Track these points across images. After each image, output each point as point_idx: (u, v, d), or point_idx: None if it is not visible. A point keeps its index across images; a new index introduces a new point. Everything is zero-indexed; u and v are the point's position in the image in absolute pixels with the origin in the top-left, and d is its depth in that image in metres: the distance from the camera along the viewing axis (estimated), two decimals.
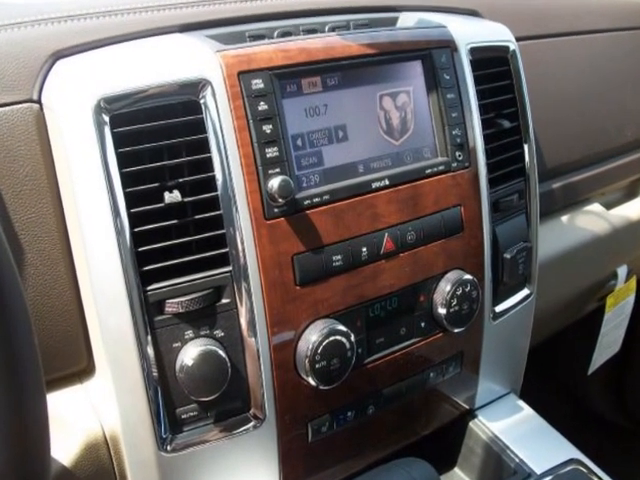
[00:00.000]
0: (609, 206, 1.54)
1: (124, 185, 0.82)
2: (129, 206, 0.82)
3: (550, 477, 1.08)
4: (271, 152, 0.88)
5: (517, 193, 1.15)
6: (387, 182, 0.97)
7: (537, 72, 1.21)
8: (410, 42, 1.00)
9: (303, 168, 0.92)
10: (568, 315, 1.57)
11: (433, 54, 1.01)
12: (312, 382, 0.92)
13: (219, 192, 0.86)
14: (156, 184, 0.84)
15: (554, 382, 1.92)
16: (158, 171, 0.84)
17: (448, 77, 1.03)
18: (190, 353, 0.85)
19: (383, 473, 1.03)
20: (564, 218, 1.40)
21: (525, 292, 1.19)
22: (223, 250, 0.87)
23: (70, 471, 0.90)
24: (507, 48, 1.13)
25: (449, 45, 1.03)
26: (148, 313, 0.84)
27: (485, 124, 1.08)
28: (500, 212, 1.12)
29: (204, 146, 0.86)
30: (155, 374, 0.85)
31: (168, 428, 0.87)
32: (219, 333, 0.88)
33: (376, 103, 0.97)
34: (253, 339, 0.89)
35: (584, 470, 1.09)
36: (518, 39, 1.14)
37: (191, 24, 0.96)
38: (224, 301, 0.88)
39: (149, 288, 0.84)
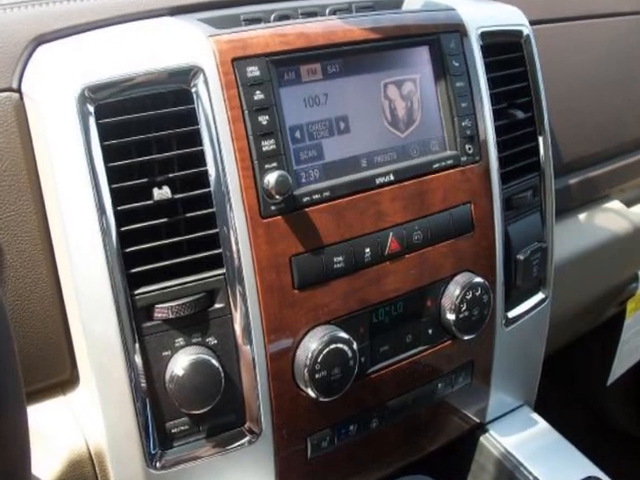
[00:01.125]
0: (629, 203, 1.56)
1: (110, 181, 0.83)
2: (115, 203, 0.83)
3: None
4: (268, 145, 0.90)
5: (531, 189, 1.17)
6: (392, 177, 0.99)
7: (552, 59, 1.23)
8: (417, 26, 1.02)
9: (302, 162, 0.93)
10: (586, 321, 1.59)
11: (441, 39, 1.03)
12: (311, 394, 0.94)
13: (212, 188, 0.87)
14: (144, 180, 0.85)
15: (571, 393, 1.94)
16: (146, 166, 0.86)
17: (457, 64, 1.05)
18: (181, 362, 0.86)
19: None
20: (581, 216, 1.42)
21: (540, 296, 1.21)
22: (216, 251, 0.88)
23: None
24: (520, 33, 1.14)
25: (458, 29, 1.05)
26: (136, 319, 0.85)
27: (497, 115, 1.09)
28: (513, 210, 1.14)
29: (196, 138, 0.87)
30: (143, 385, 0.86)
31: (157, 443, 0.89)
32: (212, 341, 0.89)
33: (380, 92, 0.99)
34: (248, 347, 0.91)
35: None
36: (532, 23, 1.16)
37: (182, 7, 0.98)
38: (217, 306, 0.89)
39: (137, 292, 0.85)
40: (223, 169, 0.87)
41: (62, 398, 0.95)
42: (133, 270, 0.85)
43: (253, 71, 0.89)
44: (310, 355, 0.93)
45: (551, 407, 1.28)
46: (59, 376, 0.93)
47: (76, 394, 0.94)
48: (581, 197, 1.38)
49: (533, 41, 1.15)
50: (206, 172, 0.87)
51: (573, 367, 1.86)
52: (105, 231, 0.83)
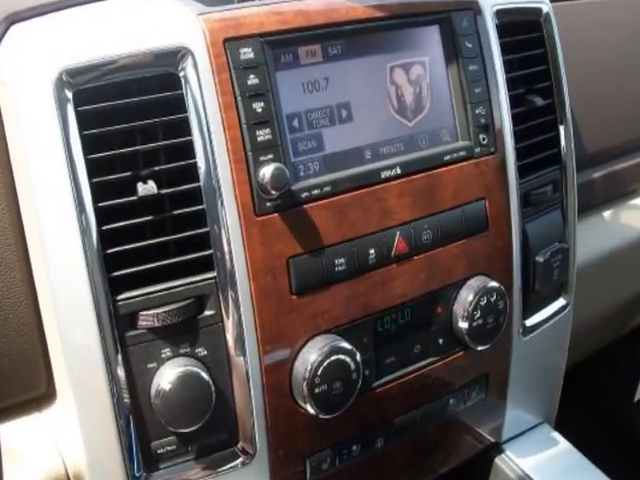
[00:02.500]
0: None
1: (90, 174, 0.84)
2: (96, 199, 0.85)
3: None
4: (263, 135, 0.91)
5: (551, 184, 1.19)
6: (399, 171, 1.01)
7: (574, 40, 1.25)
8: (426, 4, 1.04)
9: (300, 154, 0.95)
10: (611, 329, 1.61)
11: (453, 18, 1.05)
12: (311, 410, 0.96)
13: (201, 183, 0.89)
14: (128, 173, 0.87)
15: (595, 410, 1.95)
16: (130, 158, 0.87)
17: (470, 45, 1.07)
18: (168, 375, 0.88)
19: None
20: (606, 214, 1.44)
21: (561, 302, 1.24)
22: (206, 252, 0.90)
23: None
24: (539, 10, 1.17)
25: (471, 7, 1.07)
26: (118, 327, 0.87)
27: (514, 101, 1.12)
28: (531, 206, 1.16)
29: (184, 128, 0.89)
30: (126, 400, 0.88)
31: (142, 465, 0.90)
32: (202, 351, 0.91)
33: (386, 76, 1.01)
34: (241, 358, 0.92)
35: None
36: (552, 0, 1.18)
37: None
38: (207, 313, 0.91)
39: (120, 297, 0.87)
40: (214, 161, 0.89)
41: (37, 415, 0.96)
42: (115, 273, 0.86)
43: (247, 53, 0.91)
44: (309, 367, 0.95)
45: (573, 425, 1.30)
46: (34, 391, 0.95)
47: (53, 410, 0.96)
48: (606, 192, 1.39)
49: (553, 20, 1.17)
50: (195, 165, 0.89)
51: (597, 381, 1.87)
52: (84, 230, 0.84)
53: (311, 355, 0.95)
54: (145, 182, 0.87)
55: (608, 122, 1.35)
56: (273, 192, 0.91)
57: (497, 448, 1.23)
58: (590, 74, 1.31)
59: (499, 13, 1.10)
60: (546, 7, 1.17)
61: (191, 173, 0.89)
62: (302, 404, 0.96)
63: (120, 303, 0.87)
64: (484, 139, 1.08)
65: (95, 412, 0.88)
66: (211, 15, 0.90)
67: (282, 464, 0.99)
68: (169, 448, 0.91)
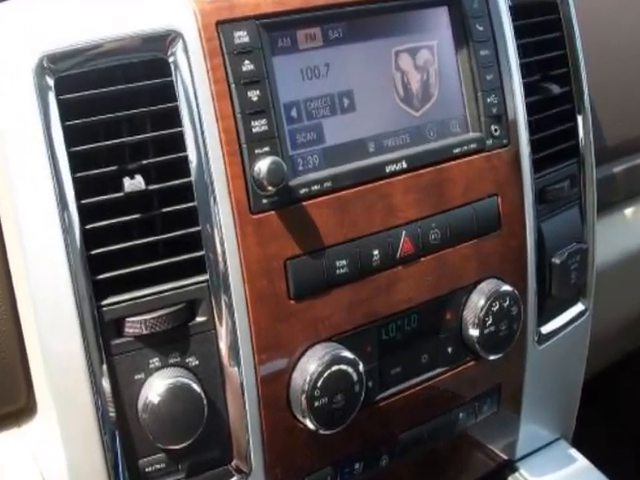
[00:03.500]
0: None
1: (73, 168, 0.85)
2: (79, 196, 0.86)
3: None
4: (258, 126, 0.93)
5: (569, 179, 1.21)
6: (405, 165, 1.02)
7: (594, 22, 1.26)
8: None
9: (299, 146, 0.96)
10: (633, 338, 1.62)
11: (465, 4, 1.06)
12: (310, 425, 0.97)
13: (193, 178, 0.90)
14: (113, 167, 0.88)
15: (615, 425, 1.96)
16: (116, 151, 0.88)
17: (482, 28, 1.08)
18: (156, 387, 0.89)
19: None
20: (628, 212, 1.46)
21: (579, 308, 1.25)
22: (198, 253, 0.91)
23: None
24: None
25: None
26: (103, 335, 0.88)
27: (528, 89, 1.13)
28: (547, 204, 1.18)
29: (174, 118, 0.90)
30: (112, 414, 0.89)
31: None
32: (193, 361, 0.92)
33: (391, 62, 1.03)
34: (235, 369, 0.94)
35: None
36: None
37: None
38: (199, 319, 0.92)
39: (104, 302, 0.88)
40: (206, 155, 0.90)
41: (16, 430, 0.97)
42: (100, 276, 0.87)
43: (241, 37, 0.92)
44: (308, 379, 0.96)
45: (593, 441, 1.31)
46: (13, 404, 0.96)
47: (33, 425, 0.97)
48: (628, 189, 1.40)
49: (571, 1, 1.18)
50: (186, 158, 0.90)
51: (618, 393, 1.89)
52: (67, 229, 0.85)
53: (310, 365, 0.96)
54: (132, 177, 0.88)
55: (630, 113, 1.36)
56: (270, 188, 0.92)
57: (511, 466, 1.24)
58: (611, 60, 1.32)
59: None
60: None
61: (181, 167, 0.90)
62: (301, 418, 0.97)
63: (105, 308, 0.88)
64: (496, 130, 1.09)
65: (78, 427, 0.89)
66: None
67: None
68: (158, 466, 0.92)
